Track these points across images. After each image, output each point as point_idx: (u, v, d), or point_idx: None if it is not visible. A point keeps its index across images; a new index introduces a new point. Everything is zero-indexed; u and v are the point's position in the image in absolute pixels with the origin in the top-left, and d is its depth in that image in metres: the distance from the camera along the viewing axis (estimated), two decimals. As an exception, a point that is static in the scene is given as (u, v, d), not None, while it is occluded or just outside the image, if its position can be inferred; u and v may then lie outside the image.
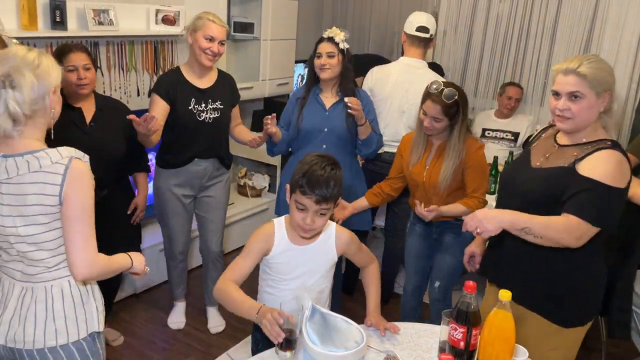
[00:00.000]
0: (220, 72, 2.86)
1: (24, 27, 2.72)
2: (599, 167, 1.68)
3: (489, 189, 2.57)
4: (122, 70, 3.33)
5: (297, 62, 4.44)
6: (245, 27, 3.90)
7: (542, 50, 4.26)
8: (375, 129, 2.79)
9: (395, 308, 3.42)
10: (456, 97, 2.31)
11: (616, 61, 3.94)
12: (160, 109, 2.66)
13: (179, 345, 2.95)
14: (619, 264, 2.46)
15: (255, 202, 4.23)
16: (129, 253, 1.72)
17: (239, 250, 4.02)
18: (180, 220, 2.90)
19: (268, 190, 4.34)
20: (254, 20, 3.95)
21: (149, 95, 2.75)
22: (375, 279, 1.96)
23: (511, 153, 3.74)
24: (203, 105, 2.72)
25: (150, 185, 2.91)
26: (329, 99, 2.77)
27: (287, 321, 1.56)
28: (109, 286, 2.82)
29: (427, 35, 3.14)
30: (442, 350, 1.65)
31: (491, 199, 2.80)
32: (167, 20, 3.39)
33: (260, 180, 4.28)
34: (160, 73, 3.56)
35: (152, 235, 3.43)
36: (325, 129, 2.73)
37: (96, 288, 1.69)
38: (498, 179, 2.59)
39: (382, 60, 4.08)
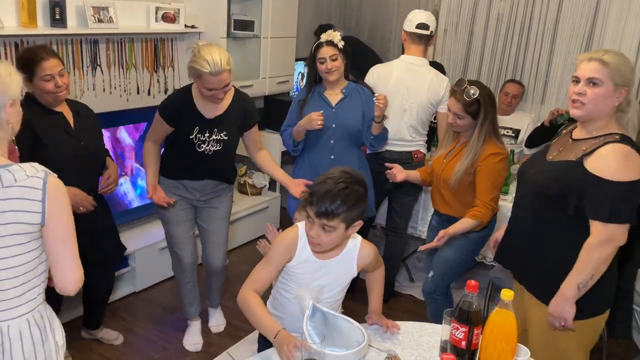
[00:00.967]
0: (236, 94, 2.64)
1: (24, 25, 2.71)
2: (605, 162, 1.71)
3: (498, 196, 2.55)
4: (122, 68, 3.32)
5: (297, 60, 4.43)
6: (246, 25, 3.89)
7: (543, 49, 4.25)
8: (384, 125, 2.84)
9: (395, 307, 3.42)
10: (477, 96, 2.34)
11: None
12: (162, 130, 2.62)
13: (178, 344, 2.94)
14: (619, 263, 2.46)
15: (255, 200, 4.22)
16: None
17: (239, 248, 4.05)
18: (183, 228, 2.78)
19: (268, 189, 4.34)
20: (254, 18, 3.94)
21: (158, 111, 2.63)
22: (381, 282, 1.95)
23: (512, 151, 3.72)
24: (207, 134, 2.57)
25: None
26: (333, 96, 2.83)
27: (305, 350, 1.52)
28: (105, 287, 2.82)
29: (427, 32, 3.14)
30: (443, 349, 1.65)
31: (505, 201, 2.79)
32: (167, 18, 3.38)
33: (261, 179, 4.27)
34: (160, 71, 3.56)
35: (151, 234, 3.42)
36: (333, 125, 2.79)
37: (55, 319, 1.58)
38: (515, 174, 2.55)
39: (377, 61, 4.07)
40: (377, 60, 4.35)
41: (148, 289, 3.45)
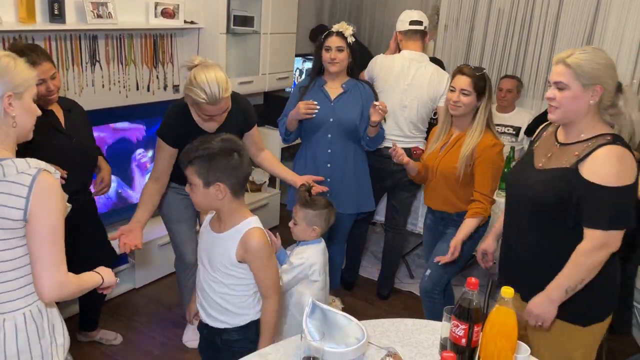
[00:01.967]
0: (234, 99, 2.42)
1: (22, 20, 2.69)
2: (601, 167, 1.66)
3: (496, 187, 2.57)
4: (121, 64, 3.31)
5: (297, 55, 4.42)
6: (245, 21, 3.88)
7: (544, 44, 4.24)
8: (380, 124, 2.83)
9: (395, 304, 3.42)
10: (484, 72, 2.41)
11: (618, 56, 3.92)
12: (166, 155, 2.46)
13: (178, 341, 2.94)
14: (620, 261, 2.46)
15: (255, 196, 4.21)
16: (97, 269, 1.64)
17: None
18: (185, 226, 2.75)
19: (268, 185, 4.33)
20: (254, 14, 3.92)
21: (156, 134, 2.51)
22: (267, 321, 1.82)
23: (512, 148, 3.71)
24: None
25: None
26: (333, 90, 2.83)
27: (309, 349, 1.52)
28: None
29: (422, 27, 3.15)
30: (443, 347, 1.64)
31: (500, 195, 2.81)
32: (167, 14, 3.37)
33: (260, 175, 4.26)
34: (160, 67, 3.55)
35: (151, 230, 3.41)
36: (331, 119, 2.80)
37: (56, 316, 1.55)
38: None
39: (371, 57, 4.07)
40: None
41: (147, 285, 3.44)
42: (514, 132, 3.94)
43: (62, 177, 1.86)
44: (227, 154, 1.68)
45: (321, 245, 2.25)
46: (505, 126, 3.95)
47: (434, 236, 2.72)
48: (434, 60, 3.50)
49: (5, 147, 1.42)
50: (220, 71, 2.26)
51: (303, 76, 4.46)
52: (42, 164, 1.42)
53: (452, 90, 2.45)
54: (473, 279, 1.54)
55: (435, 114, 3.24)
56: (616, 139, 1.70)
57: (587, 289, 1.77)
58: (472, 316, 1.52)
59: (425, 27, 3.16)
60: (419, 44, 3.18)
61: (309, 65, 4.44)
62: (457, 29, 4.59)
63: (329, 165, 2.87)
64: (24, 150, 2.16)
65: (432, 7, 4.66)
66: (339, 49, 2.74)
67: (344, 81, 2.84)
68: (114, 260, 2.80)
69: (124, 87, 3.36)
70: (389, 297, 3.46)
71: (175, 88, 3.66)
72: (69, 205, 1.56)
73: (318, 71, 2.87)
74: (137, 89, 3.44)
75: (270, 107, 4.25)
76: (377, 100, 2.85)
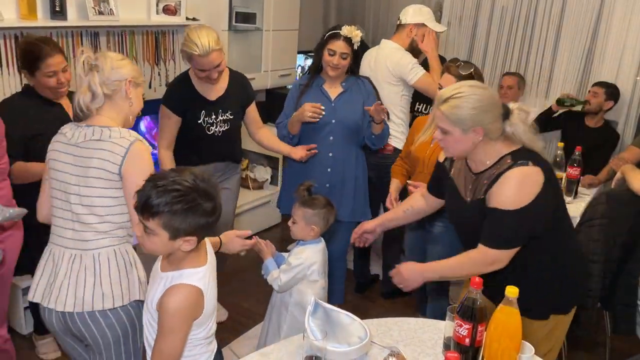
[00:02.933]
0: (231, 74, 2.73)
1: (23, 17, 2.69)
2: (500, 195, 1.69)
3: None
4: (123, 60, 3.30)
5: (299, 52, 4.40)
6: (247, 18, 3.87)
7: (548, 42, 4.21)
8: (385, 120, 2.77)
9: (397, 303, 3.40)
10: (471, 71, 2.37)
11: (623, 53, 3.90)
12: (172, 123, 2.62)
13: None
14: (622, 259, 2.45)
15: (257, 194, 4.20)
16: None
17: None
18: None
19: (270, 183, 4.32)
20: (256, 11, 3.91)
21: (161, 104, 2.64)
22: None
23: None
24: (213, 117, 2.64)
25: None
26: (333, 89, 2.75)
27: (311, 348, 1.51)
28: None
29: (398, 22, 3.17)
30: (446, 346, 1.63)
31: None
32: (168, 10, 3.36)
33: (262, 173, 4.25)
34: (162, 64, 3.54)
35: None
36: (333, 121, 2.71)
37: (138, 260, 1.82)
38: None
39: None
40: None
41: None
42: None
43: None
44: (205, 200, 1.38)
45: (320, 245, 2.22)
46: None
47: (421, 239, 2.66)
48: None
49: (117, 122, 1.76)
50: (212, 30, 2.51)
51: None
52: (140, 136, 1.74)
53: (440, 88, 2.39)
54: (477, 279, 1.53)
55: (418, 104, 3.23)
56: (515, 158, 1.71)
57: (540, 283, 1.78)
58: (476, 316, 1.51)
59: (399, 20, 3.16)
60: (397, 36, 3.16)
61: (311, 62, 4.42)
62: (460, 26, 4.57)
63: (329, 170, 2.76)
64: (28, 142, 2.24)
65: (435, 4, 4.64)
66: (343, 56, 2.63)
67: (343, 79, 2.76)
68: None
69: (126, 84, 3.35)
70: (392, 296, 3.44)
71: (177, 85, 3.64)
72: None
73: (317, 70, 2.77)
74: (139, 85, 3.43)
75: (272, 104, 4.24)
76: (377, 94, 2.81)
